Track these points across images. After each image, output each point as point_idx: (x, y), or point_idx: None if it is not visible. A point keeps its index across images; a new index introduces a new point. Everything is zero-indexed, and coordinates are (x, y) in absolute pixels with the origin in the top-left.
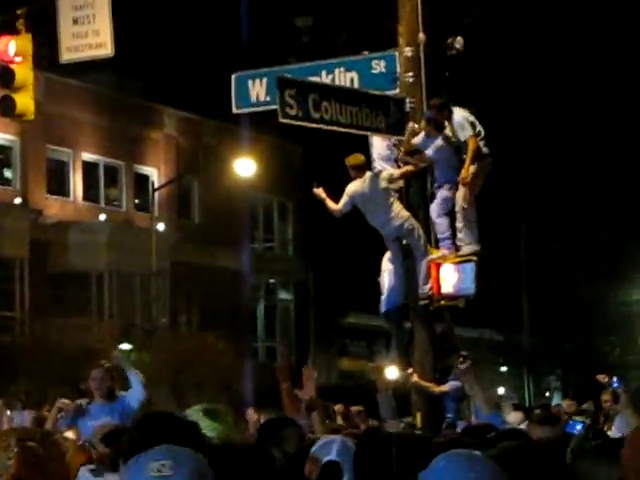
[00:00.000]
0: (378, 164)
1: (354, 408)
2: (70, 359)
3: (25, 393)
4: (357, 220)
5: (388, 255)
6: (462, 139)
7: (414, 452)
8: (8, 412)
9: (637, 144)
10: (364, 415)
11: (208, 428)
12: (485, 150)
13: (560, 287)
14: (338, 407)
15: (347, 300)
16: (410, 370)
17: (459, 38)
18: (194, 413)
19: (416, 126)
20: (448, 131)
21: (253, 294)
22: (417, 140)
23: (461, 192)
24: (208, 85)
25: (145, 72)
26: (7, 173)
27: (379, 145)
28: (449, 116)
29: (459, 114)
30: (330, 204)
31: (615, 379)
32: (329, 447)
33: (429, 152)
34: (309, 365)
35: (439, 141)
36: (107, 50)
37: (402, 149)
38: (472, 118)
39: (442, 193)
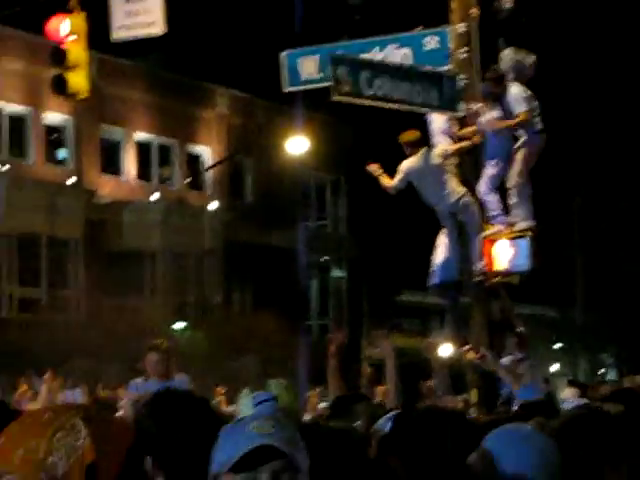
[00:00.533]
0: (437, 139)
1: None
2: (124, 338)
3: (79, 371)
4: (411, 197)
5: (444, 231)
6: (515, 113)
7: (464, 430)
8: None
9: None
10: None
11: (286, 401)
12: (540, 126)
13: (614, 263)
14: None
15: (401, 278)
16: (466, 347)
17: None
18: (277, 385)
19: (475, 106)
20: (500, 107)
21: (306, 272)
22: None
23: (516, 167)
24: (260, 64)
25: (197, 51)
26: (61, 153)
27: (439, 119)
28: (505, 90)
29: (515, 89)
30: (384, 180)
31: None
32: (386, 422)
33: (480, 125)
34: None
35: (490, 115)
36: (159, 29)
37: (457, 126)
38: (528, 93)
39: (491, 168)
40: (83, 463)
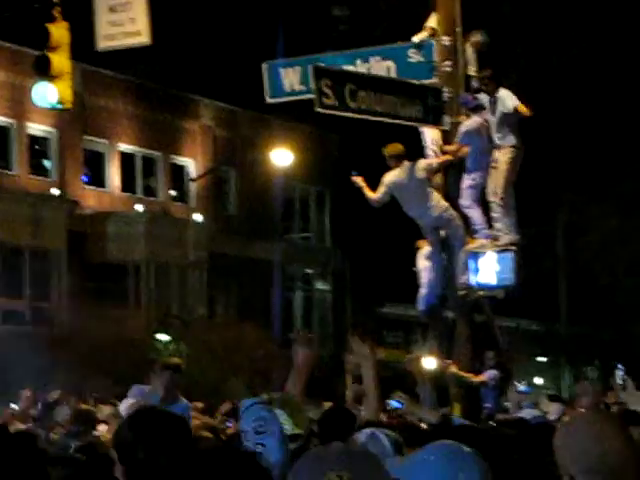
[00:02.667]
0: (431, 149)
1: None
2: (108, 350)
3: (63, 383)
4: (395, 210)
5: (424, 252)
6: (511, 107)
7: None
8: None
9: None
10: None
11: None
12: (517, 140)
13: (598, 276)
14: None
15: (384, 290)
16: (449, 361)
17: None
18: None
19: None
20: (484, 115)
21: (290, 284)
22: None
23: (498, 180)
24: (245, 75)
25: (181, 63)
26: (45, 164)
27: (432, 130)
28: (496, 89)
29: (503, 90)
30: (368, 193)
31: (620, 366)
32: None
33: (460, 137)
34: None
35: (472, 126)
36: (144, 38)
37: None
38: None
39: (471, 181)
40: None
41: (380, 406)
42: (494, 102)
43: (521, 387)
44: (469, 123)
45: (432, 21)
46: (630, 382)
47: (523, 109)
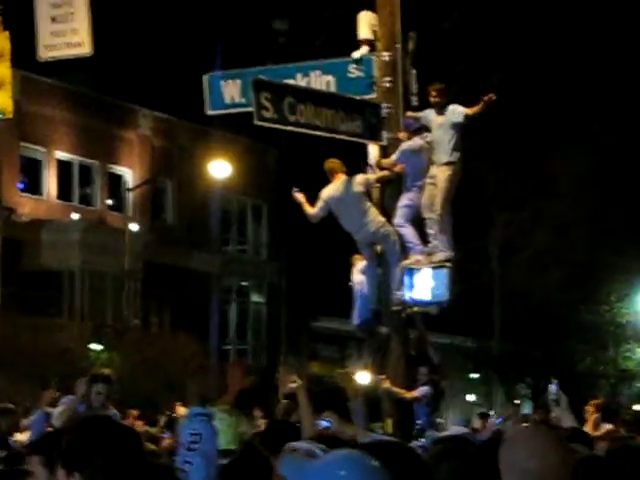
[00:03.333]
0: (370, 164)
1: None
2: (41, 359)
3: None
4: (331, 224)
5: (358, 267)
6: (462, 113)
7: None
8: None
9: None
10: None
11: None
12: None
13: (531, 294)
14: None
15: (320, 304)
16: (382, 376)
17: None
18: (221, 413)
19: (398, 135)
20: (424, 138)
21: (225, 296)
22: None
23: (435, 198)
24: (183, 86)
25: (120, 72)
26: None
27: (372, 145)
28: (447, 102)
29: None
30: (307, 209)
31: (555, 382)
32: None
33: (399, 155)
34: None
35: (412, 146)
36: (85, 49)
37: (378, 155)
38: None
39: (406, 200)
40: None
41: (314, 430)
42: (443, 113)
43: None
44: (411, 143)
45: (363, 31)
46: (563, 397)
47: (475, 109)
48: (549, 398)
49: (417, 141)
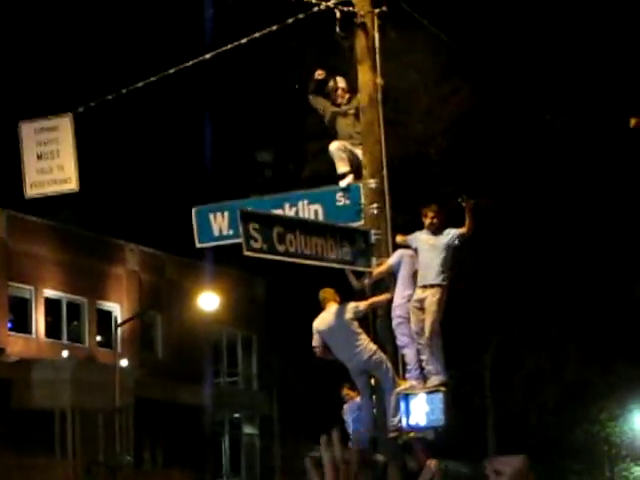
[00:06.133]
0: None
1: None
2: None
3: None
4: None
5: (347, 406)
6: (457, 240)
7: None
8: None
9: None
10: None
11: None
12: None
13: (525, 415)
14: None
15: (314, 434)
16: None
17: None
18: None
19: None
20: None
21: (218, 429)
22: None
23: (426, 322)
24: (170, 221)
25: (106, 208)
26: None
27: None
28: (440, 225)
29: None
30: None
31: None
32: None
33: (394, 260)
34: None
35: (403, 253)
36: (72, 185)
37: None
38: None
39: (402, 299)
40: None
41: None
42: (437, 235)
43: None
44: (400, 251)
45: (340, 167)
46: None
47: (467, 226)
48: None
49: (407, 250)
